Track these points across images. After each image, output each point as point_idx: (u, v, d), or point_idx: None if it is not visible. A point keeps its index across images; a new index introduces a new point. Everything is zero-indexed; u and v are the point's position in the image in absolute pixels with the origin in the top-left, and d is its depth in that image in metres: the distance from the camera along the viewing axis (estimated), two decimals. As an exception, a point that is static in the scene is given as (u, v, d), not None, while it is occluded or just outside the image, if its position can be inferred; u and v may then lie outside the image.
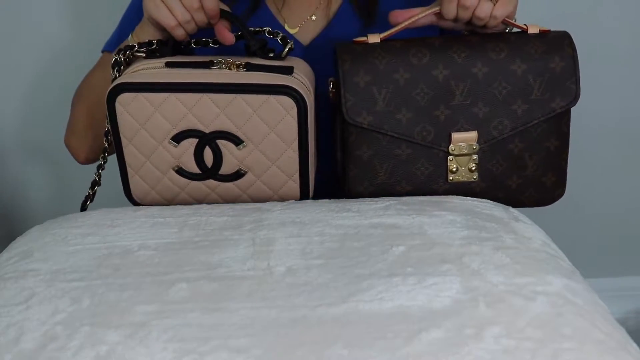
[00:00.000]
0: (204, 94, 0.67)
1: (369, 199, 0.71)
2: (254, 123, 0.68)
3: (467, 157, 0.74)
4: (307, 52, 0.84)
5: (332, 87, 0.73)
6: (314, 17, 0.86)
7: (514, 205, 0.74)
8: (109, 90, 0.68)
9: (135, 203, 0.75)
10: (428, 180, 0.75)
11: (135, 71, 0.70)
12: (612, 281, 1.53)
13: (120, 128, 0.70)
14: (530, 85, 0.72)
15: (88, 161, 0.87)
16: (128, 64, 0.73)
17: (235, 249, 0.59)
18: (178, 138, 0.69)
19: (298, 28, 0.86)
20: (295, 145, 0.70)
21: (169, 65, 0.70)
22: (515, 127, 0.73)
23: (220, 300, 0.51)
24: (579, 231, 1.47)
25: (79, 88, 0.87)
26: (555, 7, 1.30)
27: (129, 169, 0.72)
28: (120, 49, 0.73)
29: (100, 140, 0.79)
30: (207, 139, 0.69)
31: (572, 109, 0.74)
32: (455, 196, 0.72)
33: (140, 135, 0.70)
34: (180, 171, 0.71)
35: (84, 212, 0.70)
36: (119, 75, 0.71)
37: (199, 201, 0.74)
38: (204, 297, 0.52)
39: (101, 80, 0.80)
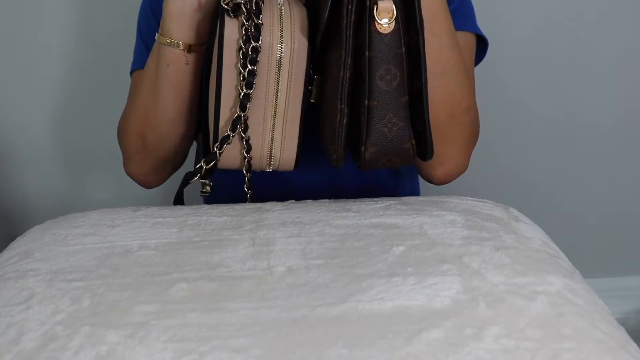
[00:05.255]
0: None
1: (369, 199, 0.71)
2: None
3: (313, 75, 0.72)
4: None
5: None
6: None
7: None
8: (305, 43, 0.66)
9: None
10: None
11: (283, 6, 0.67)
12: (612, 281, 1.53)
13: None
14: None
15: (156, 183, 0.85)
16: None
17: (235, 249, 0.59)
18: None
19: None
20: None
21: None
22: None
23: (220, 300, 0.51)
24: (579, 231, 1.47)
25: (122, 118, 0.84)
26: (555, 7, 1.30)
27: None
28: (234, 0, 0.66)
29: (162, 159, 0.78)
30: None
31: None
32: (455, 196, 0.72)
33: None
34: None
35: (84, 212, 0.70)
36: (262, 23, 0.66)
37: None
38: (204, 297, 0.52)
39: (146, 100, 0.77)
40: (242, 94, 0.67)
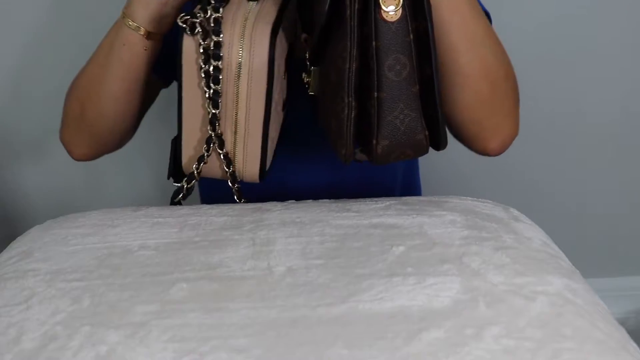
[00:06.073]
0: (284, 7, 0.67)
1: (369, 199, 0.71)
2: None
3: (308, 65, 0.70)
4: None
5: None
6: None
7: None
8: (266, 51, 0.63)
9: (264, 176, 0.71)
10: None
11: (247, 19, 0.64)
12: (612, 281, 1.53)
13: (273, 88, 0.66)
14: None
15: (85, 157, 0.82)
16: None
17: (235, 249, 0.59)
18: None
19: None
20: None
21: None
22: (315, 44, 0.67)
23: (220, 300, 0.51)
24: (579, 231, 1.47)
25: (72, 82, 0.82)
26: (555, 7, 1.30)
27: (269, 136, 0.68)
28: (192, 12, 0.64)
29: (96, 134, 0.76)
30: None
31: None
32: (455, 196, 0.72)
33: (277, 83, 0.66)
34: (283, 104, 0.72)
35: (84, 212, 0.70)
36: (221, 40, 0.63)
37: (277, 130, 0.74)
38: (204, 297, 0.52)
39: (95, 70, 0.76)
40: (211, 113, 0.66)
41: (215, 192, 0.90)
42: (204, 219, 0.66)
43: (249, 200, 0.75)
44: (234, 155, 0.69)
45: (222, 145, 0.68)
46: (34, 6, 1.23)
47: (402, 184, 0.95)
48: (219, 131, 0.67)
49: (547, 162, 1.42)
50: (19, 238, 0.66)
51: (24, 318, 0.50)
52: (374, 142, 0.62)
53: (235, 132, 0.67)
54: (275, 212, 0.67)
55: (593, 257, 1.50)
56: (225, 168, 0.69)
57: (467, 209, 0.67)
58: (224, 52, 0.63)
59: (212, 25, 0.63)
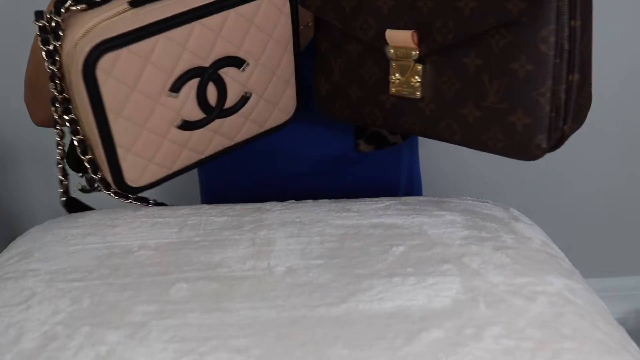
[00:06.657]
0: (196, 22, 0.59)
1: (369, 199, 0.71)
2: (252, 36, 0.63)
3: (408, 65, 0.61)
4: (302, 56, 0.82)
5: None
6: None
7: (477, 148, 0.62)
8: (82, 59, 0.55)
9: (127, 189, 0.65)
10: (375, 87, 0.65)
11: (95, 26, 0.57)
12: (612, 281, 1.53)
13: (105, 102, 0.58)
14: None
15: (44, 124, 0.77)
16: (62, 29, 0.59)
17: (235, 249, 0.59)
18: (177, 86, 0.60)
19: None
20: (290, 46, 0.67)
21: (134, 4, 0.58)
22: (463, 33, 0.57)
23: (220, 300, 0.51)
24: (579, 231, 1.47)
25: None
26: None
27: (119, 150, 0.61)
28: (41, 12, 0.59)
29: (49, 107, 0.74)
30: (209, 74, 0.62)
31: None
32: (455, 196, 0.72)
33: (133, 101, 0.59)
34: (184, 125, 0.63)
35: (84, 212, 0.70)
36: (60, 45, 0.58)
37: (201, 152, 0.67)
38: (204, 297, 0.52)
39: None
40: (66, 119, 0.63)
41: (215, 192, 0.90)
42: (204, 219, 0.66)
43: (248, 192, 0.75)
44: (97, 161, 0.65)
45: (85, 151, 0.64)
46: (33, 6, 1.23)
47: (407, 179, 0.96)
48: (79, 137, 0.63)
49: (547, 161, 1.42)
50: (19, 238, 0.66)
51: (24, 318, 0.50)
52: (565, 127, 0.58)
53: (85, 140, 0.64)
54: (275, 212, 0.67)
55: (593, 257, 1.50)
56: (92, 174, 0.66)
57: (467, 209, 0.67)
58: (63, 58, 0.58)
59: (54, 26, 0.58)
